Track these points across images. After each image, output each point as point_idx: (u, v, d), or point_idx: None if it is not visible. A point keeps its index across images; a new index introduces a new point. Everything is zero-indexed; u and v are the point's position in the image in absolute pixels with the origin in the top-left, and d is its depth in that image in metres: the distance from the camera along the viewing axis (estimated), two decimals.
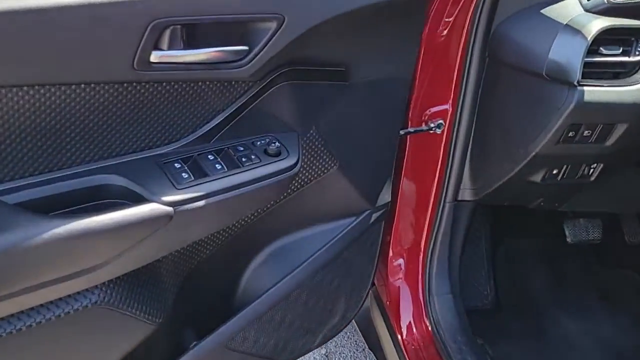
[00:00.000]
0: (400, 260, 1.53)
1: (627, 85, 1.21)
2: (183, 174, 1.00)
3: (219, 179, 1.02)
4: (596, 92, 1.18)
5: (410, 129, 1.34)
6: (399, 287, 1.52)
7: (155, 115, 1.00)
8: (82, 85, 0.89)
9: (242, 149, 1.08)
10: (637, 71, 1.22)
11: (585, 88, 1.16)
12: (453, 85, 1.32)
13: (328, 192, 1.28)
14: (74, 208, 0.94)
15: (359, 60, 1.14)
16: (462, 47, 1.28)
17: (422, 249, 1.50)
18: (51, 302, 0.95)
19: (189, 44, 0.96)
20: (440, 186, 1.42)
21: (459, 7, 1.25)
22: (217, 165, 1.03)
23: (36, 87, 0.85)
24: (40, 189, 0.92)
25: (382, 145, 1.29)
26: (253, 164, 1.06)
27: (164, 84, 0.97)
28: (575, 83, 1.15)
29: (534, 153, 1.27)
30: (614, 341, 1.71)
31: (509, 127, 1.33)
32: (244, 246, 1.26)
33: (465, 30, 1.27)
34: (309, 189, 1.24)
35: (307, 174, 1.21)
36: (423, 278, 1.51)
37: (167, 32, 0.91)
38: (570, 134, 1.23)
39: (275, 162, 1.08)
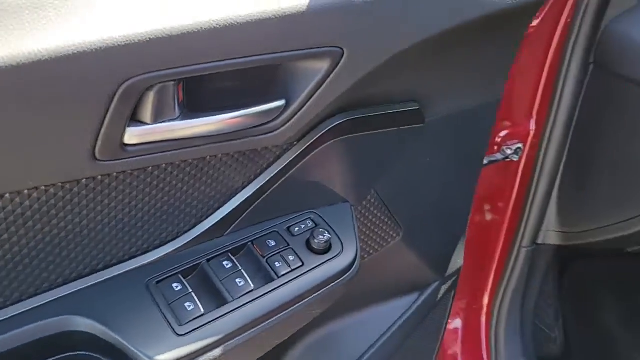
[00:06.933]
0: (458, 322, 1.18)
1: None
2: (187, 304, 0.62)
3: (242, 306, 0.64)
4: None
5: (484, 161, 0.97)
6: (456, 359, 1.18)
7: (136, 208, 0.61)
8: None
9: (273, 243, 0.70)
10: None
11: None
12: (538, 100, 0.98)
13: (386, 268, 0.91)
14: None
15: (439, 92, 0.76)
16: (554, 51, 0.93)
17: (486, 308, 1.16)
18: None
19: (193, 108, 0.57)
20: (514, 227, 1.10)
21: None
22: (238, 280, 0.65)
23: None
24: None
25: (458, 197, 0.92)
26: (292, 270, 0.68)
27: (150, 168, 0.58)
28: None
29: None
30: None
31: (618, 158, 0.97)
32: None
33: (561, 28, 0.91)
34: (362, 266, 0.88)
35: (362, 252, 0.85)
36: (488, 345, 1.17)
37: (152, 95, 0.51)
38: None
39: (323, 263, 0.70)
